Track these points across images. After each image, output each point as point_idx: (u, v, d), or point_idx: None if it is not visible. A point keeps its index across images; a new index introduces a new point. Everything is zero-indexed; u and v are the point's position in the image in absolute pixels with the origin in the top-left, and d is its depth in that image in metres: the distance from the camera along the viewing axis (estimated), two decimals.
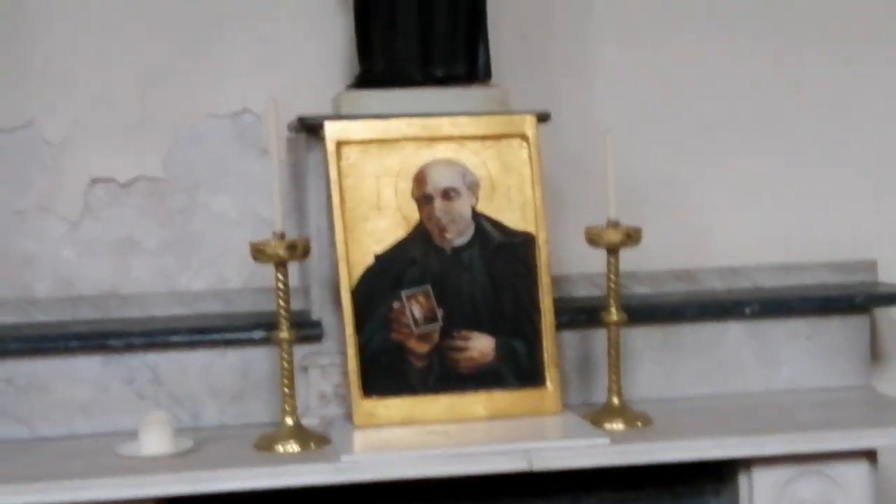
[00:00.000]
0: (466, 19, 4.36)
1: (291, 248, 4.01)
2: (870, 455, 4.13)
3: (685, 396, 4.60)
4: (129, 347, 4.33)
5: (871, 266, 5.05)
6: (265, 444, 4.00)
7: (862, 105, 5.09)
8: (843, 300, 4.73)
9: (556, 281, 4.42)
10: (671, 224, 4.84)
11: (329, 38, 4.71)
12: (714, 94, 5.00)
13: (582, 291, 4.73)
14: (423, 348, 4.17)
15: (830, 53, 5.06)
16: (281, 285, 4.03)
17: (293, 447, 3.96)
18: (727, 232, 4.99)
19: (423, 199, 4.20)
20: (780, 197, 5.03)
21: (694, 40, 4.99)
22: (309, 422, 4.19)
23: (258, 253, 4.03)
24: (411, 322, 4.17)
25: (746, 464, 4.09)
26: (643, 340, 4.58)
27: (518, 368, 4.22)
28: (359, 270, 4.14)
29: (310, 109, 4.49)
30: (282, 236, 4.00)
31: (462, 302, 4.20)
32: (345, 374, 4.18)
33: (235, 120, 4.74)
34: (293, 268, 4.29)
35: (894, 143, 5.12)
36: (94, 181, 4.69)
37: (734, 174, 4.99)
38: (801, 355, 4.70)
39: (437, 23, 4.32)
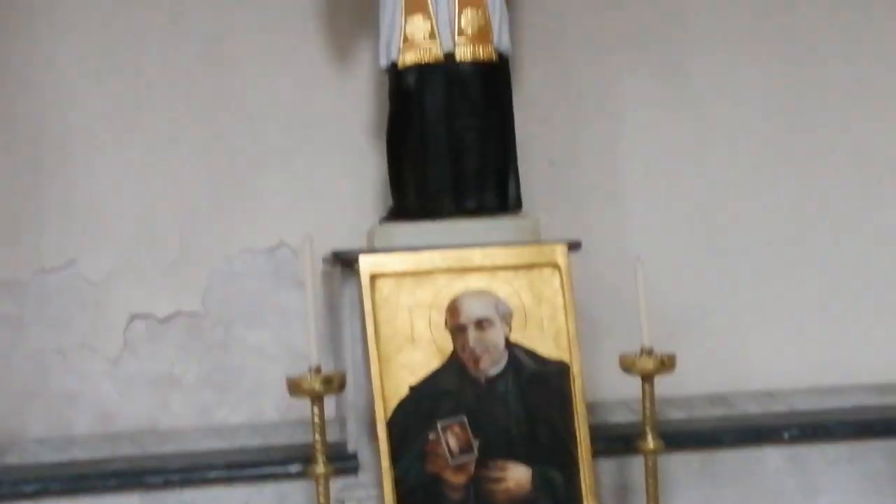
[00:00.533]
0: (496, 151, 4.39)
1: (327, 382, 3.95)
2: None
3: None
4: (167, 484, 4.31)
5: None
6: None
7: (891, 226, 5.08)
8: (884, 423, 4.65)
9: (592, 407, 4.37)
10: (705, 348, 4.82)
11: (362, 173, 4.79)
12: (744, 218, 5.01)
13: (618, 417, 4.69)
14: (459, 479, 4.11)
15: (857, 176, 5.08)
16: (317, 420, 3.96)
17: None
18: (762, 355, 4.96)
19: (456, 330, 4.17)
20: (813, 319, 5.00)
21: (723, 166, 5.03)
22: None
23: (294, 388, 3.98)
24: (447, 453, 4.11)
25: None
26: (681, 467, 4.52)
27: (555, 499, 4.14)
28: (394, 402, 4.10)
29: (344, 243, 4.53)
30: (317, 371, 3.93)
31: (497, 432, 4.14)
32: None
33: (271, 254, 4.78)
34: (329, 399, 4.21)
35: None
36: (134, 317, 4.72)
37: (767, 297, 4.98)
38: (843, 481, 4.60)
39: (467, 156, 4.34)
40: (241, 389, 4.74)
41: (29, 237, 4.68)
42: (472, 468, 4.10)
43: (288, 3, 4.81)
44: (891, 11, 5.10)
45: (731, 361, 4.92)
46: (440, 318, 4.16)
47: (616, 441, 4.40)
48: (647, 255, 4.53)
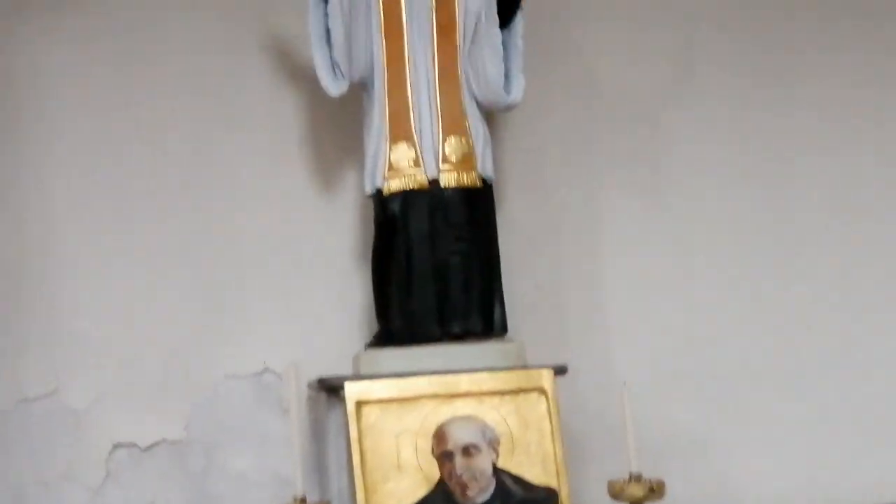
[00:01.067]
0: (481, 276, 4.38)
1: None
2: None
3: None
4: None
5: None
6: None
7: (877, 350, 5.07)
8: None
9: None
10: (695, 473, 4.77)
11: (348, 298, 4.77)
12: (730, 343, 5.00)
13: None
14: None
15: (843, 300, 5.09)
16: None
17: None
18: (750, 480, 4.89)
19: (443, 457, 4.12)
20: (802, 444, 4.96)
21: (707, 290, 5.04)
22: None
23: None
24: None
25: None
26: None
27: None
28: None
29: (330, 369, 4.49)
30: (303, 500, 3.88)
31: None
32: None
33: (256, 380, 4.74)
34: None
35: None
36: (117, 446, 4.64)
37: (754, 422, 4.94)
38: None
39: (452, 281, 4.34)
40: None
41: (11, 366, 4.62)
42: None
43: (274, 131, 4.86)
44: (869, 134, 5.19)
45: (720, 486, 4.86)
46: (427, 444, 4.12)
47: None
48: (633, 379, 4.52)
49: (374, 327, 4.47)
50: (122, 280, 4.72)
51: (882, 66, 5.20)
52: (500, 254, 4.46)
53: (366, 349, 4.43)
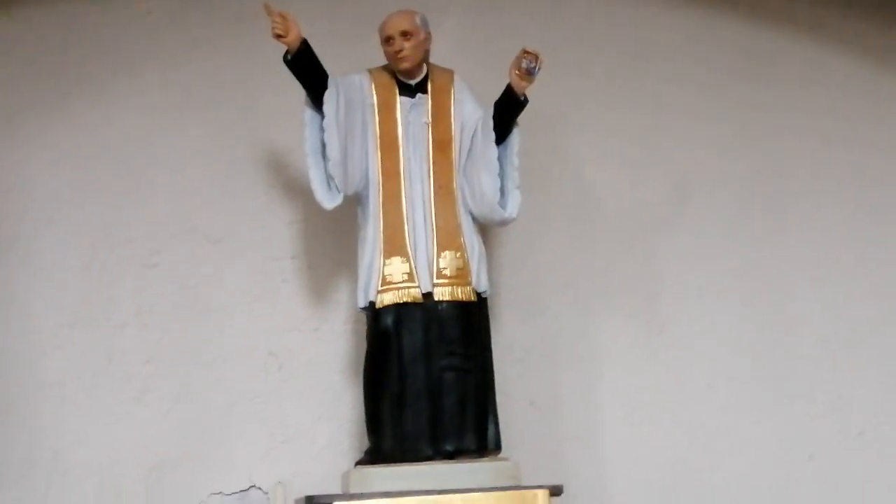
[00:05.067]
0: (475, 392, 4.30)
1: None
2: None
3: None
4: None
5: None
6: None
7: (874, 477, 4.96)
8: None
9: None
10: None
11: (338, 414, 4.72)
12: (727, 467, 4.90)
13: None
14: None
15: (840, 424, 4.99)
16: None
17: None
18: None
19: None
20: None
21: (702, 411, 4.94)
22: None
23: None
24: None
25: None
26: None
27: None
28: None
29: (318, 486, 4.41)
30: None
31: None
32: None
33: (242, 498, 4.65)
34: None
35: None
36: None
37: None
38: None
39: (446, 397, 4.26)
40: None
41: None
42: None
43: (266, 244, 4.84)
44: (863, 261, 5.13)
45: None
46: None
47: None
48: (629, 500, 4.70)
49: (365, 443, 4.39)
50: (108, 402, 4.68)
51: (876, 195, 5.17)
52: (495, 369, 4.39)
53: (355, 467, 4.32)
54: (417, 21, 4.37)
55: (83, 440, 4.62)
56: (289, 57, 4.25)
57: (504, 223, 4.45)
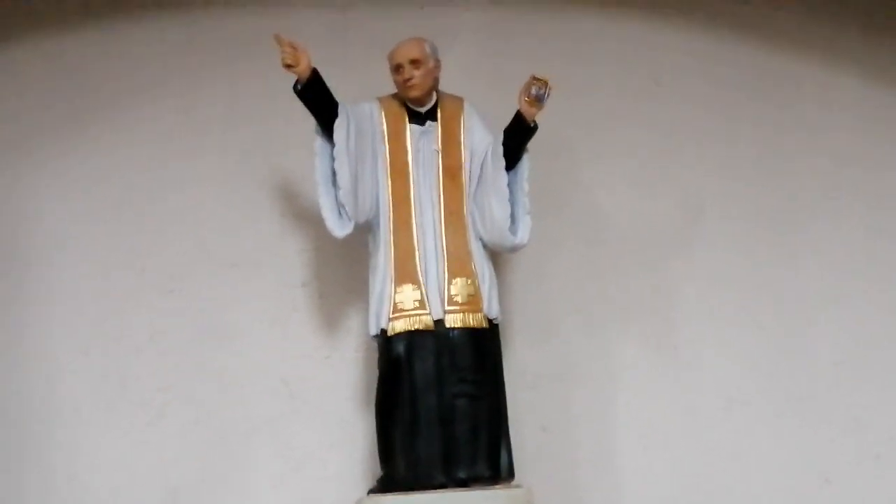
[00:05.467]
0: (488, 419, 4.28)
1: None
2: None
3: None
4: None
5: None
6: None
7: (891, 501, 4.89)
8: None
9: None
10: None
11: (350, 442, 4.70)
12: (740, 488, 4.86)
13: None
14: None
15: (853, 442, 4.94)
16: None
17: None
18: None
19: None
20: None
21: (717, 435, 4.90)
22: None
23: None
24: None
25: None
26: None
27: None
28: None
29: None
30: None
31: None
32: None
33: None
34: None
35: None
36: None
37: None
38: None
39: (458, 424, 4.23)
40: None
41: None
42: None
43: (278, 272, 4.84)
44: (877, 284, 5.09)
45: None
46: None
47: None
48: None
49: (377, 471, 4.36)
50: (124, 428, 4.67)
51: (891, 216, 5.14)
52: (507, 395, 4.38)
53: (368, 495, 4.30)
54: (427, 49, 4.38)
55: (98, 465, 4.63)
56: (299, 87, 4.26)
57: (515, 249, 4.44)
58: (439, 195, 4.35)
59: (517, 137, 4.37)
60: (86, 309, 4.72)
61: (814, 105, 5.15)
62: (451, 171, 4.37)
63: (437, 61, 4.40)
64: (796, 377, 4.98)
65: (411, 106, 4.40)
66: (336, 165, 4.29)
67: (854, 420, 4.96)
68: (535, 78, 4.28)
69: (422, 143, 4.38)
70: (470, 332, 4.27)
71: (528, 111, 4.32)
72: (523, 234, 4.39)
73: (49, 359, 4.66)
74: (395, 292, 4.28)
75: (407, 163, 4.36)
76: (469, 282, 4.29)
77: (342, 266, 4.73)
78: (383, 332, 4.28)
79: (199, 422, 4.68)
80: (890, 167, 5.17)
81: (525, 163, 4.42)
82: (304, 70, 4.23)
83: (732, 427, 4.91)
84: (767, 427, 4.93)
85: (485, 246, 4.38)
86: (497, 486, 4.23)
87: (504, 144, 4.37)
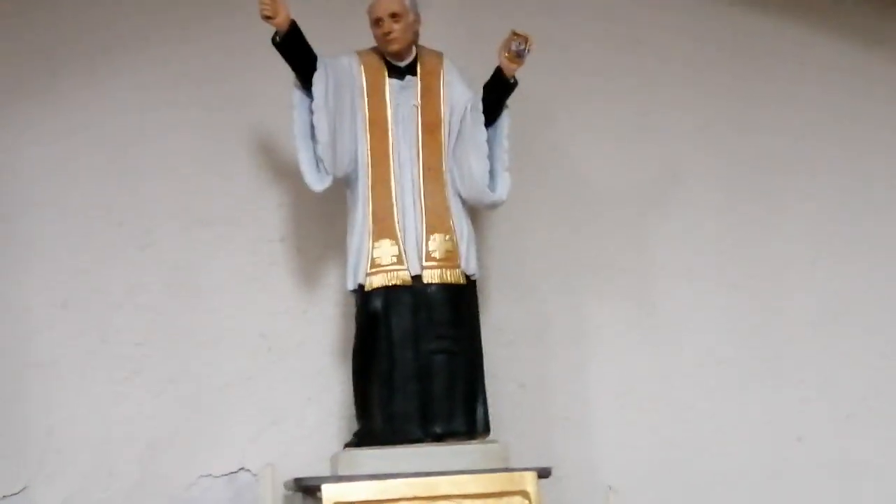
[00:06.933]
0: (464, 375, 4.29)
1: None
2: None
3: None
4: None
5: None
6: None
7: (862, 459, 4.96)
8: None
9: None
10: None
11: (326, 397, 4.71)
12: (717, 445, 4.88)
13: None
14: None
15: (827, 404, 5.00)
16: None
17: None
18: None
19: None
20: None
21: (691, 394, 4.93)
22: None
23: None
24: None
25: None
26: None
27: None
28: None
29: (307, 469, 4.39)
30: None
31: None
32: None
33: (231, 480, 4.64)
34: None
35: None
36: None
37: None
38: None
39: (435, 379, 4.24)
40: None
41: None
42: None
43: (256, 226, 4.84)
44: (850, 248, 5.15)
45: None
46: None
47: None
48: (619, 483, 4.65)
49: (354, 426, 4.38)
50: (101, 382, 4.65)
51: (865, 182, 5.21)
52: (484, 351, 4.39)
53: (344, 449, 4.32)
54: (406, 3, 4.38)
55: (76, 419, 4.60)
56: (277, 39, 4.25)
57: (494, 206, 4.45)
58: (418, 151, 4.34)
59: (497, 93, 4.37)
60: (63, 262, 4.69)
61: (790, 72, 5.18)
62: (431, 127, 4.36)
63: (417, 15, 4.40)
64: (770, 338, 5.04)
65: (391, 60, 4.39)
66: (314, 119, 4.30)
67: (827, 380, 5.01)
68: (515, 34, 4.28)
69: (401, 97, 4.37)
70: (447, 288, 4.27)
71: (507, 67, 4.31)
72: (502, 191, 4.40)
73: (25, 312, 4.63)
74: (373, 247, 4.28)
75: (386, 118, 4.36)
76: (447, 238, 4.30)
77: (320, 221, 4.73)
78: (361, 287, 4.28)
79: (176, 376, 4.67)
80: (865, 133, 5.25)
81: (505, 119, 4.43)
82: (282, 22, 4.22)
83: (706, 386, 4.95)
84: (741, 386, 4.98)
85: (464, 202, 4.38)
86: (473, 441, 4.24)
87: (484, 100, 4.38)
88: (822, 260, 5.12)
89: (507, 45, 4.28)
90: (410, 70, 4.40)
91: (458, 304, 4.30)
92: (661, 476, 4.84)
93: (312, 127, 4.31)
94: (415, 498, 3.98)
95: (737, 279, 5.05)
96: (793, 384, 5.00)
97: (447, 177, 4.36)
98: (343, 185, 4.37)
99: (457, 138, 4.39)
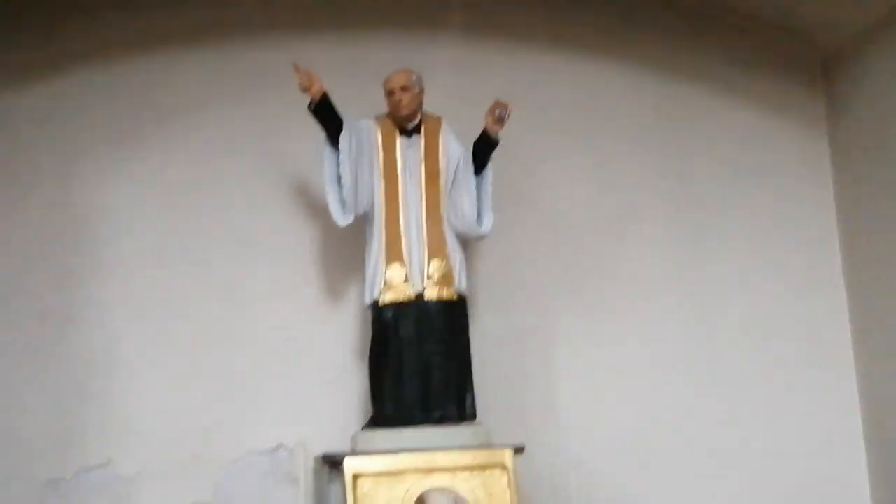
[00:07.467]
0: (457, 371, 4.34)
1: None
2: None
3: None
4: None
5: None
6: None
7: (783, 440, 5.00)
8: None
9: None
10: None
11: (347, 388, 4.71)
12: (666, 426, 4.93)
13: None
14: None
15: (757, 398, 5.02)
16: None
17: None
18: None
19: None
20: (729, 489, 4.90)
21: (645, 384, 4.97)
22: None
23: None
24: None
25: None
26: None
27: None
28: None
29: (332, 445, 4.44)
30: None
31: None
32: None
33: (271, 455, 4.67)
34: None
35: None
36: None
37: (681, 491, 4.85)
38: None
39: (434, 375, 4.30)
40: None
41: (75, 442, 4.60)
42: None
43: (292, 254, 4.86)
44: (765, 246, 5.18)
45: None
46: None
47: None
48: (582, 458, 4.62)
49: (369, 411, 4.42)
50: (167, 377, 4.69)
51: (769, 219, 5.24)
52: (473, 353, 4.41)
53: (362, 430, 4.37)
54: (413, 79, 4.42)
55: (148, 406, 4.64)
56: (312, 106, 4.27)
57: (481, 238, 4.49)
58: (421, 194, 4.38)
59: (483, 149, 4.41)
60: (138, 281, 4.72)
61: (713, 128, 5.20)
62: (431, 176, 4.40)
63: (422, 89, 4.44)
64: (707, 341, 5.07)
65: (400, 123, 4.42)
66: (340, 169, 4.33)
67: (753, 370, 5.02)
68: (497, 102, 4.32)
69: (408, 152, 4.40)
70: (444, 303, 4.31)
71: (492, 129, 4.36)
72: (487, 225, 4.42)
73: (111, 321, 4.68)
74: (386, 270, 4.31)
75: (396, 169, 4.39)
76: (444, 263, 4.33)
77: (342, 249, 4.72)
78: (375, 302, 4.33)
79: (226, 371, 4.70)
80: (770, 178, 5.21)
81: (489, 170, 4.45)
82: (316, 93, 4.27)
83: (655, 380, 4.99)
84: (684, 380, 5.00)
85: (457, 235, 4.42)
86: (463, 424, 4.30)
87: (473, 154, 4.40)
88: (746, 274, 5.13)
89: (491, 111, 4.32)
90: (416, 131, 4.44)
91: (453, 315, 4.34)
92: (616, 453, 4.83)
93: (339, 175, 4.35)
94: (417, 469, 4.09)
95: (679, 295, 5.07)
96: (726, 378, 4.99)
97: (444, 215, 4.39)
98: (362, 221, 4.40)
99: (452, 184, 4.41)
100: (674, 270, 5.11)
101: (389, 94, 4.43)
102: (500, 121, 4.35)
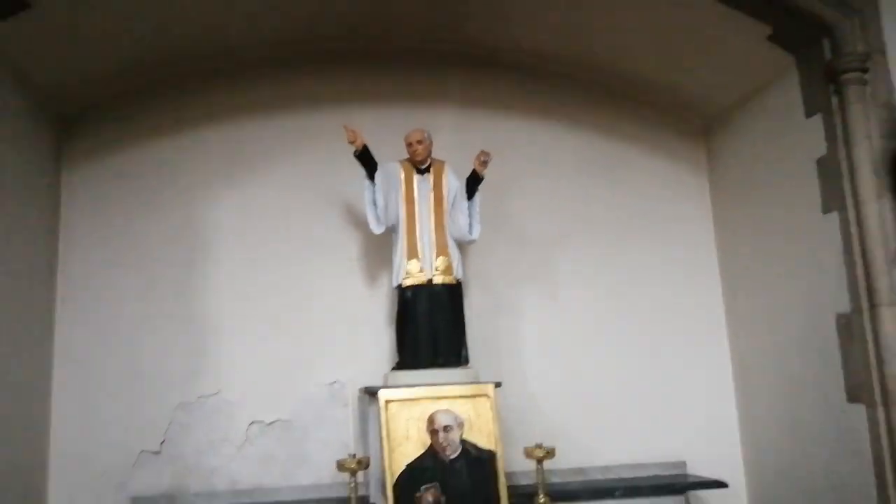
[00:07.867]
0: (456, 334, 4.34)
1: (359, 462, 3.95)
2: None
3: None
4: None
5: (682, 465, 4.83)
6: None
7: (678, 390, 4.93)
8: (669, 487, 4.49)
9: (509, 476, 4.20)
10: (570, 443, 4.61)
11: (382, 344, 4.70)
12: (600, 370, 4.87)
13: (524, 481, 4.49)
14: None
15: (658, 353, 4.94)
16: (352, 484, 3.91)
17: None
18: (602, 445, 4.80)
19: (432, 433, 4.10)
20: (634, 420, 4.84)
21: (580, 343, 4.90)
22: None
23: (340, 466, 3.99)
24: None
25: None
26: None
27: None
28: (396, 474, 3.98)
29: (371, 381, 4.47)
30: (354, 456, 3.94)
31: (455, 492, 4.01)
32: None
33: (331, 387, 4.69)
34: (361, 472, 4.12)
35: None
36: (252, 423, 4.61)
37: (606, 413, 4.81)
38: None
39: (440, 336, 4.30)
40: (310, 465, 4.58)
41: (196, 378, 4.60)
42: None
43: (342, 254, 4.82)
44: (666, 269, 5.07)
45: (585, 449, 4.75)
46: (423, 426, 4.09)
47: (522, 497, 4.26)
48: (539, 392, 4.61)
49: (395, 358, 4.42)
50: (258, 334, 4.67)
51: (668, 246, 5.06)
52: (466, 320, 4.41)
53: (391, 371, 4.38)
54: (425, 135, 4.42)
55: (246, 356, 4.56)
56: (356, 153, 4.32)
57: (471, 242, 4.49)
58: (430, 213, 4.37)
59: (473, 183, 4.42)
60: (237, 276, 4.67)
61: (626, 167, 5.09)
62: (438, 201, 4.39)
63: (431, 141, 4.44)
64: (623, 319, 4.94)
65: (416, 165, 4.41)
66: (375, 196, 4.36)
67: (656, 343, 4.91)
68: (483, 151, 4.36)
69: (422, 185, 4.40)
70: (447, 286, 4.30)
71: (479, 169, 4.38)
72: (476, 234, 4.43)
73: (217, 304, 4.62)
74: (407, 263, 4.30)
75: (414, 196, 4.38)
76: (446, 259, 4.32)
77: (378, 249, 4.69)
78: (399, 285, 4.33)
79: (299, 333, 4.67)
80: (678, 224, 5.08)
81: (477, 196, 4.44)
82: (359, 145, 4.30)
83: (590, 342, 4.91)
84: (608, 343, 4.92)
85: (455, 240, 4.39)
86: (460, 367, 4.30)
87: (466, 185, 4.42)
88: (649, 277, 5.02)
89: (478, 158, 4.34)
90: (427, 170, 4.41)
91: (452, 294, 4.33)
92: (560, 390, 4.79)
93: (374, 200, 4.36)
94: (428, 397, 4.07)
95: (604, 286, 4.99)
96: (633, 346, 4.93)
97: (446, 226, 4.36)
98: (391, 230, 4.38)
99: (452, 206, 4.40)
100: (600, 269, 5.06)
101: (409, 145, 4.45)
102: (484, 164, 4.39)
